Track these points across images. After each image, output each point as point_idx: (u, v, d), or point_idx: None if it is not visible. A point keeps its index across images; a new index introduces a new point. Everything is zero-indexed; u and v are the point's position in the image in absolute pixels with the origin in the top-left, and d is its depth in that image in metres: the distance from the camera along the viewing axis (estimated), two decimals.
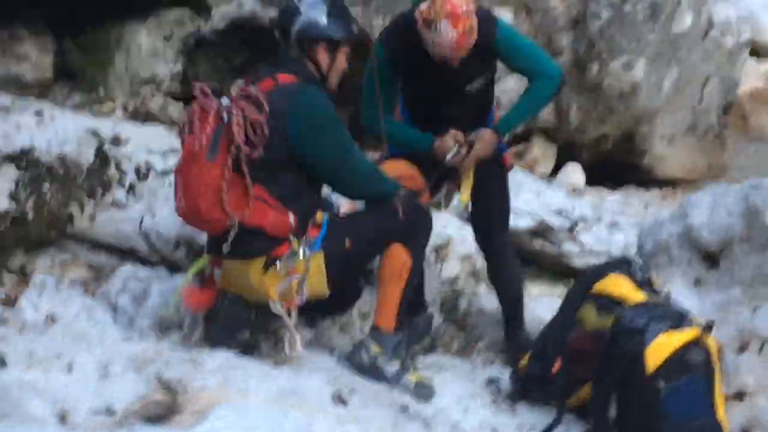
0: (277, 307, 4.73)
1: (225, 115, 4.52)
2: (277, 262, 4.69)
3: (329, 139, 4.71)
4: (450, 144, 5.20)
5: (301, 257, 4.70)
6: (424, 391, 4.87)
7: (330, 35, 4.78)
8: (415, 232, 4.99)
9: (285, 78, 4.69)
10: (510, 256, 5.73)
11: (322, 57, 4.81)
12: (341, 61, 4.91)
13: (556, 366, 4.81)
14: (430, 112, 5.32)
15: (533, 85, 5.31)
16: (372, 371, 4.84)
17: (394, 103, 5.40)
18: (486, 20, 5.17)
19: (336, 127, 4.74)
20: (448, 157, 5.22)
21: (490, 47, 5.15)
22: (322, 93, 4.75)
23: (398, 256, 4.90)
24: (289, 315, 4.76)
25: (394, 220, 4.89)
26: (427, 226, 5.08)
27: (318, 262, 4.74)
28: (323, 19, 4.75)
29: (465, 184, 5.39)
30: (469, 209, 5.55)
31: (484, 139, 5.25)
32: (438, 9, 4.87)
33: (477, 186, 5.46)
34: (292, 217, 4.69)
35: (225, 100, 4.60)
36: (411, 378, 4.90)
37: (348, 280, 5.11)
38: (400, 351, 5.00)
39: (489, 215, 5.61)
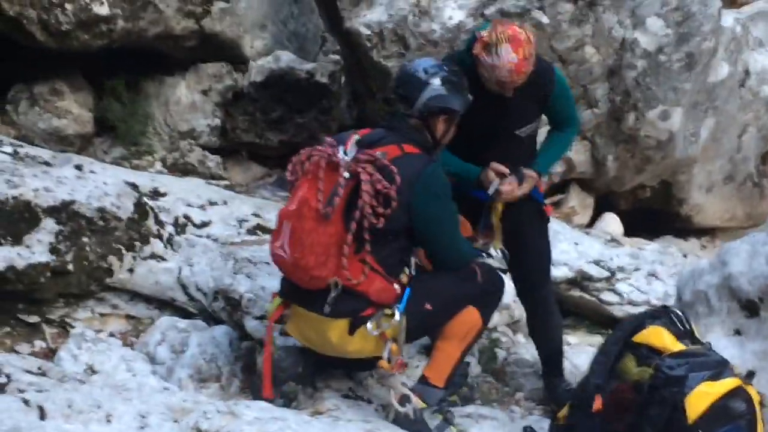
0: (390, 374, 4.82)
1: (346, 174, 4.56)
2: (368, 323, 4.71)
3: (446, 216, 4.80)
4: (492, 176, 5.22)
5: (397, 320, 4.73)
6: None
7: (452, 108, 4.86)
8: (490, 297, 5.07)
9: (411, 149, 4.74)
10: (551, 310, 5.70)
11: (441, 127, 4.91)
12: (453, 130, 4.99)
13: (597, 406, 4.75)
14: (476, 154, 5.29)
15: (565, 132, 5.44)
16: (416, 425, 4.82)
17: None
18: (547, 69, 5.28)
19: (451, 205, 4.84)
20: (491, 189, 5.22)
21: (546, 95, 5.23)
22: (441, 169, 4.81)
23: (470, 317, 4.95)
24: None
25: (473, 284, 4.94)
26: (500, 292, 5.18)
27: (401, 323, 4.77)
28: (445, 91, 4.82)
29: (497, 231, 5.38)
30: (506, 256, 5.54)
31: (531, 176, 5.27)
32: (499, 34, 4.92)
33: (516, 236, 5.45)
34: (397, 286, 4.74)
35: (345, 157, 4.62)
36: (453, 430, 4.89)
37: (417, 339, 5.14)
38: (443, 406, 4.99)
39: (530, 268, 5.59)
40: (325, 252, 4.56)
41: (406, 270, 4.87)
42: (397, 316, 4.74)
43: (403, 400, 4.86)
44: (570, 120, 5.46)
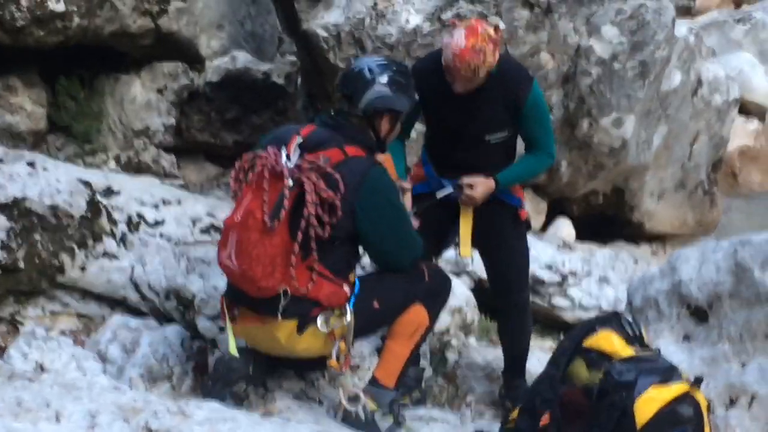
0: (337, 371, 4.88)
1: (290, 182, 4.52)
2: (318, 320, 4.71)
3: (395, 216, 4.78)
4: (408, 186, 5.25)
5: (348, 319, 4.75)
6: None
7: (397, 108, 4.87)
8: (437, 297, 5.05)
9: (353, 151, 4.71)
10: (525, 315, 5.73)
11: (384, 126, 4.89)
12: (397, 129, 5.00)
13: (545, 420, 4.79)
14: (450, 160, 5.35)
15: (535, 155, 5.39)
16: (368, 427, 4.83)
17: (406, 130, 5.48)
18: (521, 77, 5.26)
19: (399, 208, 4.85)
20: (438, 194, 5.26)
21: (518, 105, 5.20)
22: (386, 172, 4.81)
23: (417, 315, 4.94)
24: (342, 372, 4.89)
25: (420, 283, 4.96)
26: (447, 292, 5.17)
27: (351, 321, 4.78)
28: (390, 91, 4.81)
29: (464, 237, 5.39)
30: (470, 261, 5.57)
31: (479, 182, 5.27)
32: (465, 22, 5.02)
33: (491, 239, 5.48)
34: (346, 288, 4.74)
35: (288, 164, 4.59)
36: None
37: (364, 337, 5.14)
38: (394, 407, 4.99)
39: (505, 272, 5.61)
40: (272, 262, 4.54)
41: (355, 272, 4.90)
42: (348, 315, 4.75)
43: (354, 400, 4.87)
44: (539, 144, 5.38)
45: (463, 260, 5.59)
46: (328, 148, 4.68)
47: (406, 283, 4.95)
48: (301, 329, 4.72)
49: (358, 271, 5.03)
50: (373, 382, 4.95)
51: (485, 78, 5.09)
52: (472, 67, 4.99)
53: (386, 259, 4.91)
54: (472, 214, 5.40)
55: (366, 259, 5.17)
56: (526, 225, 5.62)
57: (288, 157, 4.63)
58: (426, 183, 5.48)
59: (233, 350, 4.84)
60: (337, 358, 4.77)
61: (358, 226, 4.68)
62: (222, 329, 5.43)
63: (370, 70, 4.83)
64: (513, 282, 5.61)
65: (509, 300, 5.63)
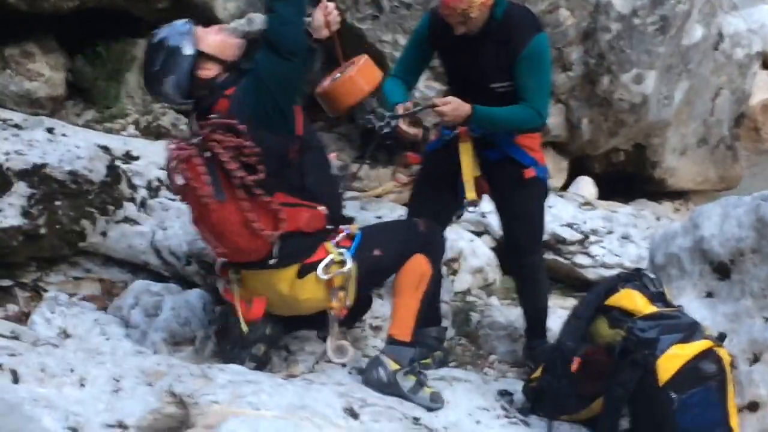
0: (333, 316, 4.86)
1: (207, 154, 4.54)
2: (319, 269, 4.75)
3: (253, 75, 4.65)
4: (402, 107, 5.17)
5: (347, 267, 4.78)
6: (436, 404, 4.87)
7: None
8: (435, 246, 5.07)
9: (230, 90, 4.70)
10: (539, 277, 5.65)
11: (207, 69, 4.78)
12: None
13: (575, 368, 4.78)
14: None
15: (523, 108, 5.16)
16: (390, 387, 4.83)
17: (414, 72, 5.49)
18: (525, 26, 5.14)
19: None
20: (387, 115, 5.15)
21: (515, 52, 5.08)
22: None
23: (419, 265, 4.95)
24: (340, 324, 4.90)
25: (417, 232, 4.99)
26: (442, 241, 5.20)
27: (353, 272, 4.80)
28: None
29: (466, 178, 5.34)
30: (476, 206, 5.49)
31: (453, 100, 5.11)
32: None
33: (501, 200, 5.47)
34: (322, 209, 4.77)
35: (195, 138, 4.61)
36: (426, 391, 4.90)
37: (370, 290, 5.16)
38: (416, 367, 5.00)
39: (515, 234, 5.54)
40: (246, 226, 4.59)
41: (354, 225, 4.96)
42: (349, 263, 4.78)
43: (376, 362, 4.89)
44: (528, 98, 5.15)
45: (471, 207, 5.47)
46: (215, 102, 4.69)
47: (404, 231, 5.05)
48: (301, 275, 4.76)
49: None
50: (390, 340, 4.95)
51: (485, 21, 5.06)
52: (458, 12, 4.96)
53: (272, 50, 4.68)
54: (470, 150, 5.33)
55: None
56: (542, 185, 5.46)
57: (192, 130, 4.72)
58: (439, 138, 5.46)
59: (244, 327, 4.90)
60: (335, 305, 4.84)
61: (263, 115, 4.61)
62: None
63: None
64: (521, 244, 5.52)
65: (519, 262, 5.59)
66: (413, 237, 5.00)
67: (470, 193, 5.33)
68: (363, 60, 5.07)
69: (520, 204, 5.43)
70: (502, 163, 5.32)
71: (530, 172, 5.36)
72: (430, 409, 4.77)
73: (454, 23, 5.04)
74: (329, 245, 4.83)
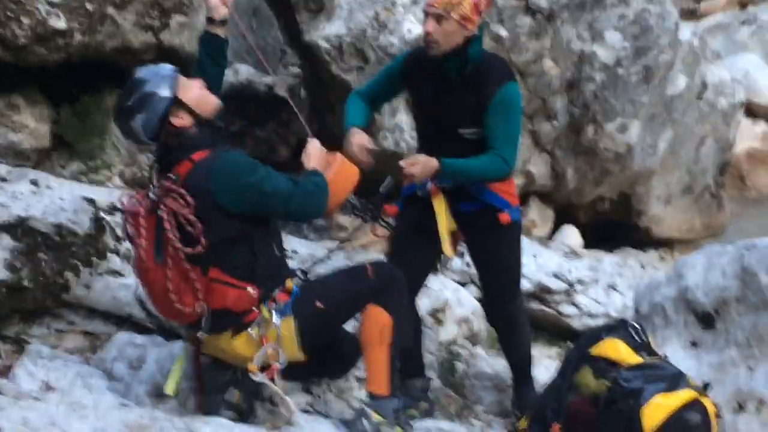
0: (259, 376, 4.72)
1: (160, 213, 4.51)
2: (249, 329, 4.69)
3: (255, 189, 4.59)
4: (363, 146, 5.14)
5: (273, 324, 4.69)
6: None
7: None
8: (389, 290, 4.91)
9: (199, 155, 4.63)
10: (519, 324, 5.63)
11: (180, 119, 4.70)
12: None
13: (555, 430, 4.78)
14: (430, 149, 5.21)
15: (489, 155, 5.13)
16: None
17: (379, 99, 5.49)
18: (500, 74, 5.15)
19: (261, 169, 4.65)
20: (382, 188, 5.23)
21: (486, 99, 5.07)
22: (232, 153, 4.66)
23: (376, 316, 4.84)
24: (273, 381, 4.76)
25: (365, 280, 4.88)
26: (400, 283, 4.96)
27: (289, 326, 4.71)
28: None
29: (441, 233, 5.30)
30: (451, 260, 5.47)
31: (420, 159, 5.13)
32: None
33: (475, 248, 5.45)
34: (251, 290, 4.67)
35: (153, 195, 4.57)
36: None
37: (326, 343, 5.05)
38: (400, 416, 4.97)
39: (491, 286, 5.53)
40: (180, 291, 4.56)
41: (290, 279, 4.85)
42: (276, 319, 4.70)
43: (360, 416, 4.86)
44: (496, 145, 5.12)
45: (448, 260, 5.45)
46: (178, 162, 4.63)
47: (349, 281, 4.91)
48: (234, 335, 4.71)
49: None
50: (370, 396, 4.90)
51: (459, 62, 5.05)
52: (438, 19, 4.96)
53: (289, 212, 4.70)
54: (444, 206, 5.30)
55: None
56: (516, 227, 5.40)
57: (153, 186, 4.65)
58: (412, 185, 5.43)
59: (170, 390, 4.89)
60: (262, 367, 4.72)
61: (232, 210, 4.57)
62: None
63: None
64: (499, 293, 5.52)
65: (499, 312, 5.57)
66: (360, 286, 4.87)
67: (447, 249, 5.31)
68: (338, 162, 4.94)
69: (497, 251, 5.41)
70: (477, 212, 5.30)
71: (505, 217, 5.30)
72: None
73: (428, 19, 4.99)
74: (262, 306, 4.75)
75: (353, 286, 4.89)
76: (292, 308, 4.73)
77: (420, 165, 5.09)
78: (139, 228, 4.52)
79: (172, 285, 4.52)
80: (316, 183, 4.70)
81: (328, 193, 4.73)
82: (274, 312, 4.71)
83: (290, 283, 4.79)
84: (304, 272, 4.94)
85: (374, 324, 4.84)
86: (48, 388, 5.18)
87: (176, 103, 4.67)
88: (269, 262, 4.77)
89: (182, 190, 4.50)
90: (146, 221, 4.52)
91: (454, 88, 5.11)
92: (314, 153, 4.84)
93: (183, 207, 4.49)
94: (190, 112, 4.70)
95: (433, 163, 5.08)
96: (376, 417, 4.81)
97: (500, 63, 5.30)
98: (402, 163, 5.15)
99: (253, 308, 4.68)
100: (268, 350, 4.70)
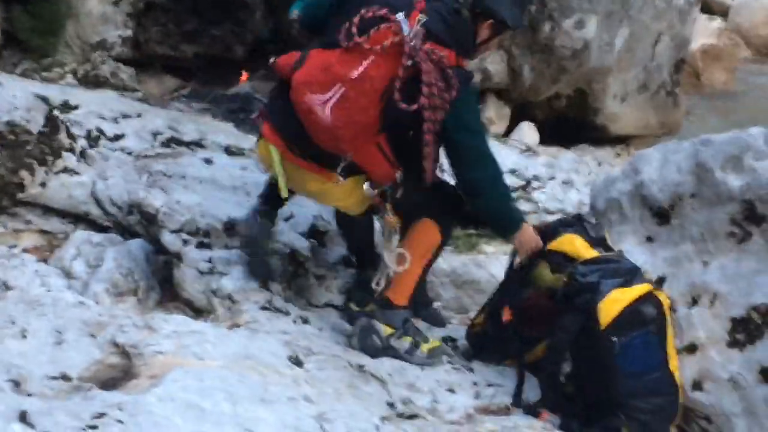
0: (390, 229, 4.81)
1: (410, 62, 4.30)
2: (366, 184, 4.65)
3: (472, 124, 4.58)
4: None
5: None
6: (439, 357, 4.94)
7: (505, 20, 4.64)
8: (451, 219, 4.98)
9: (461, 61, 4.49)
10: None
11: (483, 33, 4.66)
12: (494, 45, 4.85)
13: (506, 316, 4.81)
14: None
15: None
16: (386, 353, 4.83)
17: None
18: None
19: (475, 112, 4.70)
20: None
21: None
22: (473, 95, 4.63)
23: (431, 231, 4.85)
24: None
25: (446, 201, 4.87)
26: (461, 208, 4.99)
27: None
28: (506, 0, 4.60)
29: None
30: None
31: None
32: None
33: None
34: (398, 175, 4.59)
35: (411, 42, 4.32)
36: (423, 349, 4.91)
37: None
38: (409, 327, 4.97)
39: None
40: (363, 130, 4.40)
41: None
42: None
43: (369, 329, 4.86)
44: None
45: None
46: (446, 46, 4.44)
47: (438, 192, 4.84)
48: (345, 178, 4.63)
49: None
50: (384, 304, 4.87)
51: None
52: None
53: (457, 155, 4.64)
54: None
55: None
56: None
57: (410, 31, 4.35)
58: None
59: (284, 192, 4.79)
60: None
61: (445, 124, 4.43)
62: (186, 242, 5.42)
63: None
64: None
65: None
66: (440, 203, 4.85)
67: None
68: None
69: None
70: None
71: None
72: (432, 365, 4.86)
73: None
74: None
75: (437, 197, 4.83)
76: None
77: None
78: (392, 52, 4.32)
79: (369, 126, 4.41)
80: (512, 208, 4.88)
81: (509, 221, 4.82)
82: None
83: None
84: None
85: (425, 237, 4.84)
86: (6, 287, 5.16)
87: (499, 26, 4.69)
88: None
89: (456, 82, 4.38)
90: (396, 55, 4.32)
91: None
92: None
93: (445, 89, 4.34)
94: (487, 41, 4.74)
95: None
96: (385, 330, 4.82)
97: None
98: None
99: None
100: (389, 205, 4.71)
